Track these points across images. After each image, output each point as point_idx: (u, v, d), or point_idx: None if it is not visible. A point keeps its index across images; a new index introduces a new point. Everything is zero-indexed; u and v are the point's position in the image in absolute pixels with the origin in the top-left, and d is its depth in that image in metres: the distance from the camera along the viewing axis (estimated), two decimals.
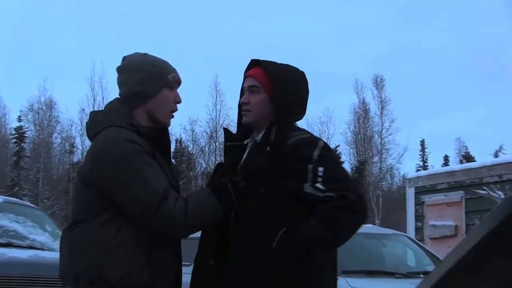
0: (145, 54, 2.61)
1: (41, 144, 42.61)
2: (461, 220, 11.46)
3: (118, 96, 2.59)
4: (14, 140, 41.24)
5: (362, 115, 44.19)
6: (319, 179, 2.33)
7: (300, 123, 2.59)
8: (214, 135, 44.22)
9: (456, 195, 11.64)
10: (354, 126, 44.35)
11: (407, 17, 62.00)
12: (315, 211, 2.34)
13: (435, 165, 47.65)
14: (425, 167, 47.07)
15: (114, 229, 2.34)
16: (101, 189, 2.36)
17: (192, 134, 45.49)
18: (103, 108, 2.74)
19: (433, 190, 12.15)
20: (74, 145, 43.16)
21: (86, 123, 2.60)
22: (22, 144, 40.77)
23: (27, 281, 4.78)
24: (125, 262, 2.33)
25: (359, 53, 61.43)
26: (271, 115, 2.49)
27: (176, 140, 45.61)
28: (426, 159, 50.36)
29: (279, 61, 2.62)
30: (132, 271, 2.33)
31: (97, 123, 2.51)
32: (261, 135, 2.50)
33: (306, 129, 2.71)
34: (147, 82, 2.50)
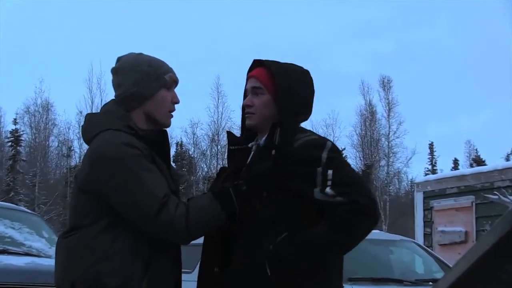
0: (140, 54, 2.60)
1: (38, 148, 42.68)
2: (471, 226, 11.44)
3: (114, 98, 2.59)
4: (10, 143, 41.32)
5: (368, 117, 44.18)
6: (329, 183, 2.32)
7: (304, 126, 2.58)
8: (216, 138, 44.26)
9: (466, 200, 11.61)
10: (361, 129, 44.36)
11: (415, 16, 62.01)
12: (325, 215, 2.33)
13: (444, 169, 47.68)
14: (434, 171, 47.05)
15: (112, 236, 2.33)
16: (98, 194, 2.35)
17: (193, 137, 45.56)
18: (99, 110, 2.73)
19: (442, 195, 12.13)
20: (72, 148, 43.27)
21: (82, 126, 2.58)
22: (18, 147, 40.86)
23: None
24: (123, 270, 2.32)
25: (365, 53, 61.47)
26: (275, 117, 2.48)
27: (177, 143, 45.68)
28: (435, 163, 50.38)
29: (282, 61, 2.62)
30: (130, 279, 2.32)
31: (93, 126, 2.50)
32: (264, 138, 2.49)
33: None
34: (144, 83, 2.49)
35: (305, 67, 2.63)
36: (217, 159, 44.29)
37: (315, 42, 60.77)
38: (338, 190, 2.31)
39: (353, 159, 43.59)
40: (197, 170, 45.63)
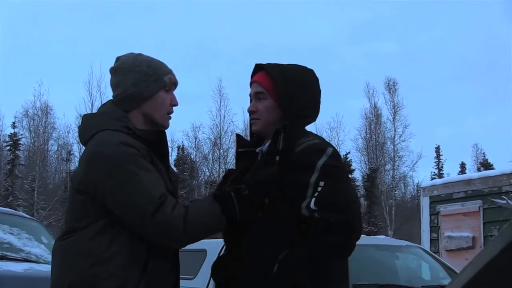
0: (140, 54, 2.61)
1: (37, 152, 42.71)
2: (478, 231, 11.42)
3: (112, 98, 2.59)
4: (8, 147, 41.30)
5: (373, 121, 44.18)
6: (316, 195, 2.32)
7: (308, 129, 2.58)
8: (218, 141, 44.31)
9: (474, 205, 11.60)
10: (366, 132, 44.35)
11: (421, 17, 62.02)
12: (308, 235, 2.33)
13: (451, 173, 47.68)
14: (440, 175, 47.03)
15: (108, 239, 2.33)
16: (95, 194, 2.35)
17: (195, 141, 45.61)
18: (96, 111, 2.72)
19: (449, 199, 12.11)
20: (71, 152, 43.30)
21: (79, 126, 2.57)
22: (17, 151, 40.86)
23: None
24: (120, 274, 2.31)
25: (370, 55, 61.46)
26: (280, 121, 2.47)
27: (178, 147, 45.75)
28: (442, 167, 50.34)
29: (285, 63, 2.61)
30: (127, 283, 2.31)
31: (90, 126, 2.49)
32: (267, 144, 2.50)
33: None
34: (143, 84, 2.50)
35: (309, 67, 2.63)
36: (219, 163, 44.32)
37: (319, 44, 60.81)
38: (320, 205, 2.30)
39: (358, 163, 43.61)
40: (199, 174, 45.66)
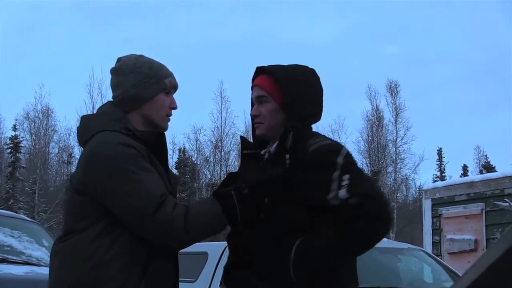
0: (141, 56, 2.61)
1: (38, 154, 42.75)
2: (481, 233, 11.41)
3: (111, 99, 2.59)
4: (9, 150, 41.33)
5: (375, 123, 44.19)
6: (344, 186, 2.31)
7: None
8: (219, 144, 44.31)
9: (476, 207, 11.59)
10: (367, 135, 44.38)
11: (423, 19, 62.04)
12: (334, 220, 2.32)
13: (453, 175, 47.60)
14: (442, 178, 46.97)
15: (108, 241, 2.32)
16: (94, 194, 2.34)
17: (196, 143, 45.65)
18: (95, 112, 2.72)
19: (451, 202, 12.10)
20: (72, 155, 43.28)
21: (77, 127, 2.56)
22: (18, 154, 40.86)
23: None
24: (119, 277, 2.30)
25: (372, 57, 61.47)
26: (284, 123, 2.47)
27: (180, 150, 45.76)
28: (444, 169, 50.28)
29: (286, 64, 2.61)
30: (127, 286, 2.31)
31: (89, 127, 2.49)
32: (275, 144, 2.49)
33: None
34: (143, 86, 2.51)
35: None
36: (220, 165, 44.31)
37: (321, 46, 60.82)
38: (353, 193, 2.30)
39: (359, 165, 43.58)
40: (200, 177, 45.67)
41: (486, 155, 50.55)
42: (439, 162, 50.18)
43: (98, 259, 2.31)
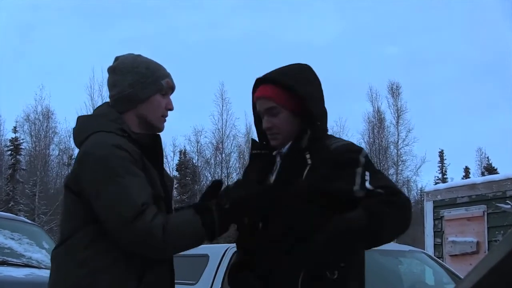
0: (139, 55, 2.61)
1: (38, 157, 42.73)
2: (483, 236, 11.39)
3: (108, 99, 2.59)
4: (9, 152, 41.35)
5: (377, 125, 44.18)
6: (367, 181, 2.35)
7: None
8: (220, 146, 44.31)
9: (478, 210, 11.58)
10: (369, 136, 44.35)
11: (425, 20, 62.03)
12: (362, 204, 2.33)
13: (455, 177, 47.61)
14: (444, 180, 46.98)
15: (103, 247, 2.31)
16: (84, 194, 2.33)
17: (197, 145, 45.64)
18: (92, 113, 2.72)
19: (452, 204, 12.09)
20: (73, 157, 43.13)
21: (74, 128, 2.56)
22: (18, 156, 40.88)
23: None
24: (114, 285, 2.30)
25: (373, 59, 61.47)
26: (299, 127, 2.48)
27: (180, 152, 45.77)
28: (445, 171, 50.28)
29: (280, 68, 2.59)
30: None
31: (85, 128, 2.49)
32: (288, 145, 2.50)
33: None
34: (140, 86, 2.51)
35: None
36: (221, 167, 44.33)
37: (321, 47, 60.81)
38: (378, 185, 2.34)
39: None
40: (201, 179, 45.62)
41: (488, 157, 50.57)
42: (440, 164, 50.21)
43: (92, 266, 2.30)
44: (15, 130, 41.60)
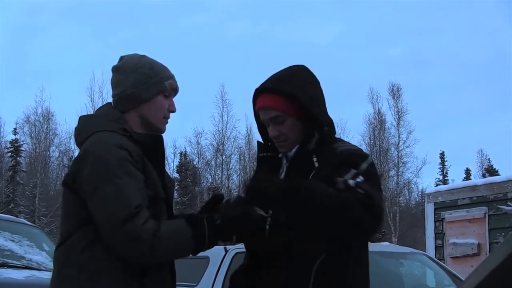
0: (144, 56, 2.61)
1: (38, 158, 42.73)
2: (484, 237, 11.39)
3: (109, 101, 2.59)
4: (10, 154, 41.36)
5: (377, 126, 44.16)
6: (355, 180, 2.31)
7: None
8: (221, 147, 44.32)
9: (479, 211, 11.58)
10: (369, 138, 44.33)
11: (426, 21, 62.04)
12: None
13: (456, 179, 47.54)
14: (445, 182, 46.95)
15: (102, 250, 2.29)
16: (80, 192, 2.33)
17: (198, 147, 45.65)
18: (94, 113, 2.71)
19: (454, 206, 12.09)
20: (73, 159, 43.11)
21: (75, 128, 2.55)
22: (18, 158, 40.91)
23: None
24: None
25: (374, 60, 61.47)
26: (305, 130, 2.48)
27: (181, 153, 45.77)
28: (446, 173, 50.24)
29: (277, 72, 2.58)
30: None
31: (86, 128, 2.48)
32: (295, 149, 2.50)
33: None
34: (143, 86, 2.50)
35: (297, 65, 2.62)
36: (222, 169, 44.34)
37: (322, 49, 60.83)
38: (361, 187, 2.29)
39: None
40: (202, 181, 45.64)
41: (489, 159, 50.56)
42: (441, 166, 50.16)
43: (91, 270, 2.28)
44: (15, 132, 41.68)
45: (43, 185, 41.54)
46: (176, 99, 2.62)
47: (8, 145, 42.10)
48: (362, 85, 65.74)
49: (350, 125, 58.89)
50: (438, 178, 49.29)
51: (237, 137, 45.13)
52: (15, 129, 41.76)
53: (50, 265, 5.51)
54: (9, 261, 5.48)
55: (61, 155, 45.16)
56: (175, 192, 2.69)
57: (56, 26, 61.94)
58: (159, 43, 56.10)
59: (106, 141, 2.35)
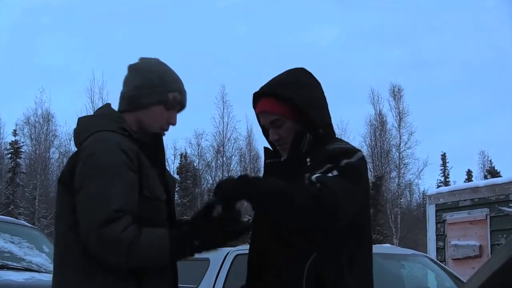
0: (162, 63, 2.59)
1: (38, 160, 42.76)
2: (485, 239, 11.38)
3: (109, 102, 2.60)
4: (9, 155, 41.32)
5: (378, 128, 44.19)
6: (321, 174, 2.29)
7: None
8: (221, 149, 44.33)
9: (480, 213, 11.57)
10: (370, 139, 44.36)
11: (427, 23, 62.06)
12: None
13: (458, 180, 47.62)
14: (446, 183, 46.95)
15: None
16: (72, 187, 2.32)
17: (198, 148, 45.66)
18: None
19: (455, 207, 12.08)
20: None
21: (74, 129, 2.54)
22: (18, 159, 40.85)
23: None
24: None
25: (375, 61, 61.48)
26: (303, 130, 2.48)
27: (181, 155, 45.76)
28: (448, 174, 50.29)
29: (277, 75, 2.59)
30: None
31: (86, 128, 2.47)
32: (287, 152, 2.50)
33: None
34: (145, 91, 2.49)
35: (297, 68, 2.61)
36: (222, 170, 44.32)
37: (323, 50, 60.86)
38: (321, 181, 2.25)
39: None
40: (202, 182, 45.64)
41: (490, 160, 50.57)
42: (443, 167, 50.20)
43: (89, 272, 2.27)
44: (15, 133, 41.58)
45: (43, 186, 41.53)
46: (177, 113, 2.60)
47: (8, 147, 42.06)
48: (363, 86, 65.80)
49: (351, 126, 58.94)
50: (440, 180, 49.33)
51: (238, 138, 45.21)
52: (15, 130, 41.74)
53: (50, 267, 5.50)
54: (9, 263, 5.47)
55: (61, 156, 45.14)
56: (175, 193, 2.67)
57: (56, 27, 61.98)
58: (160, 43, 56.13)
59: (105, 141, 2.35)
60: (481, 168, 50.72)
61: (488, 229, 11.37)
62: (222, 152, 44.46)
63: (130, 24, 62.81)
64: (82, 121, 2.58)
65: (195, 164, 46.12)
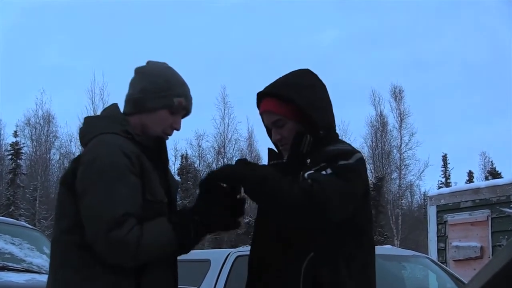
0: (169, 68, 2.60)
1: (39, 161, 42.79)
2: (486, 240, 11.39)
3: (115, 102, 2.60)
4: (10, 156, 41.36)
5: (379, 129, 44.17)
6: (315, 172, 2.30)
7: None
8: (222, 150, 44.35)
9: (482, 214, 11.57)
10: (371, 140, 44.34)
11: (428, 24, 62.05)
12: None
13: (459, 181, 47.60)
14: (447, 184, 46.95)
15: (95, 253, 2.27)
16: (73, 190, 2.33)
17: (199, 150, 45.69)
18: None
19: (456, 208, 12.09)
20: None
21: (80, 128, 2.55)
22: (18, 160, 40.88)
23: None
24: None
25: (376, 62, 61.49)
26: (304, 131, 2.48)
27: (182, 156, 45.76)
28: (449, 176, 50.26)
29: (281, 76, 2.60)
30: None
31: (90, 129, 2.48)
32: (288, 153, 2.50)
33: None
34: (151, 95, 2.49)
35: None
36: None
37: (324, 51, 60.89)
38: (314, 178, 2.26)
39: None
40: None
41: (491, 161, 50.56)
42: (444, 168, 50.19)
43: (87, 273, 2.28)
44: (15, 135, 41.64)
45: (44, 187, 41.55)
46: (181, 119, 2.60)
47: (9, 148, 42.10)
48: (364, 87, 65.82)
49: (352, 127, 59.03)
50: (441, 181, 49.33)
51: (239, 139, 45.24)
52: (15, 131, 41.79)
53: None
54: (10, 264, 5.48)
55: (61, 157, 45.21)
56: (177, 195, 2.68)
57: (56, 27, 62.02)
58: (160, 44, 56.21)
59: (108, 144, 2.35)
60: (482, 169, 50.74)
61: (489, 230, 11.38)
62: (223, 153, 44.48)
63: (130, 25, 62.86)
64: (87, 121, 2.59)
65: (196, 165, 46.13)
